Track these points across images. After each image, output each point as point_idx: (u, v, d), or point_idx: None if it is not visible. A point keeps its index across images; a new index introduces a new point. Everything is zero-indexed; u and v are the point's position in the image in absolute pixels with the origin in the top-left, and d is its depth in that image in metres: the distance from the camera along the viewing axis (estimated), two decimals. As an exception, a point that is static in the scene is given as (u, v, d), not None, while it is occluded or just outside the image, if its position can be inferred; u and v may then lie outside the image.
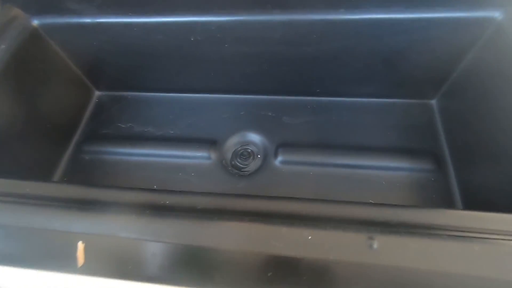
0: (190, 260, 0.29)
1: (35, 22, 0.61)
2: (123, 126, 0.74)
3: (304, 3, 0.54)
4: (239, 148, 0.69)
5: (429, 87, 0.69)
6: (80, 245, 0.31)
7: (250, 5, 0.55)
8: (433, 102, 0.71)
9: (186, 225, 0.29)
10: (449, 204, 0.59)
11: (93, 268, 0.31)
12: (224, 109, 0.74)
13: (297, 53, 0.62)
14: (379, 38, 0.57)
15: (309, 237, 0.26)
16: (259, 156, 0.68)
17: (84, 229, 0.31)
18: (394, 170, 0.63)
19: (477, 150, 0.58)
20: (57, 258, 0.33)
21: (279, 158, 0.66)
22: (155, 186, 0.65)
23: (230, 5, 0.56)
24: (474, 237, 0.29)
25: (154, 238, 0.29)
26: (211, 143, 0.69)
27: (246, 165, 0.67)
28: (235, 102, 0.75)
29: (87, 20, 0.59)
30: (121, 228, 0.30)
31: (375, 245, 0.25)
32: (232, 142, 0.70)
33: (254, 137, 0.70)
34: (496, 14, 0.52)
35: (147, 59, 0.68)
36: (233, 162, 0.68)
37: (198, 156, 0.68)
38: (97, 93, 0.80)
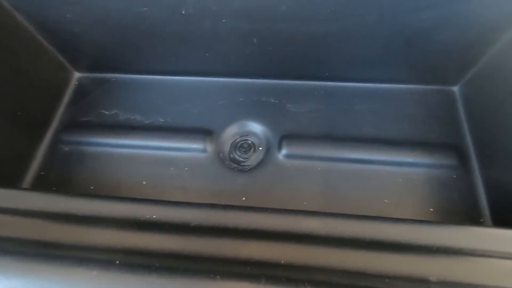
0: None
1: (-6, -11, 0.51)
2: (106, 113, 0.66)
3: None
4: (238, 140, 0.62)
5: (452, 71, 0.61)
6: None
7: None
8: (456, 89, 0.64)
9: (175, 285, 0.21)
10: (472, 206, 0.53)
11: None
12: (221, 95, 0.66)
13: (305, 30, 0.53)
14: (402, 15, 0.48)
15: None
16: (260, 148, 0.61)
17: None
18: (411, 165, 0.57)
19: (506, 145, 0.51)
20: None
21: (283, 151, 0.59)
22: (144, 182, 0.58)
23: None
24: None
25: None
26: (207, 133, 0.61)
27: (246, 158, 0.60)
28: (233, 86, 0.66)
29: (57, -13, 0.50)
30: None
31: None
32: (230, 133, 0.62)
33: (255, 127, 0.62)
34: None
35: (131, 36, 0.59)
36: (231, 155, 0.60)
37: (192, 148, 0.60)
38: (76, 74, 0.71)
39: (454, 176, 0.55)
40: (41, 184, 0.58)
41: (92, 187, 0.58)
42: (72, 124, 0.65)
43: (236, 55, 0.61)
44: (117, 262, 0.21)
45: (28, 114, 0.60)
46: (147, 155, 0.60)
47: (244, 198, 0.54)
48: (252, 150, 0.61)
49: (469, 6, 0.47)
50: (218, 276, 0.20)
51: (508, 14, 0.47)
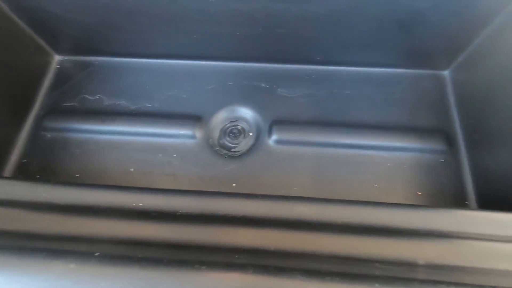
0: None
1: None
2: (90, 98, 0.63)
3: None
4: (228, 125, 0.61)
5: (443, 56, 0.61)
6: None
7: None
8: (446, 73, 0.64)
9: (153, 278, 0.20)
10: (459, 189, 0.54)
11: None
12: (210, 79, 0.64)
13: (297, 11, 0.51)
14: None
15: None
16: (250, 134, 0.60)
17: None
18: (401, 150, 0.57)
19: (494, 130, 0.52)
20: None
21: (274, 137, 0.58)
22: (131, 169, 0.57)
23: None
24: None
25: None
26: (196, 119, 0.60)
27: (236, 144, 0.59)
28: (223, 70, 0.65)
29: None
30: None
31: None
32: (220, 118, 0.61)
33: (245, 112, 0.61)
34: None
35: (115, 16, 0.56)
36: (221, 141, 0.59)
37: (180, 134, 0.59)
38: (57, 57, 0.68)
39: (442, 160, 0.56)
40: (23, 173, 0.56)
41: (77, 175, 0.56)
42: (55, 110, 0.62)
43: (226, 37, 0.59)
44: (97, 254, 0.20)
45: (6, 100, 0.57)
46: (134, 142, 0.59)
47: (234, 185, 0.54)
48: (242, 136, 0.60)
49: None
50: (203, 267, 0.19)
51: (501, -3, 0.47)
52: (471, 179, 0.54)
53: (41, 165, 0.58)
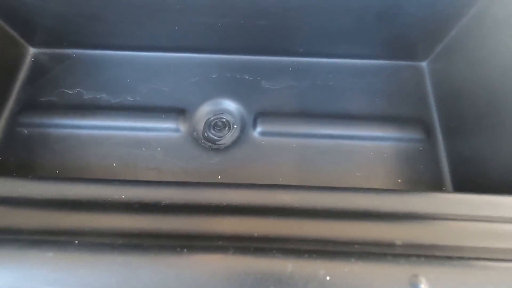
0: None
1: None
2: (69, 92, 0.61)
3: None
4: (212, 118, 0.61)
5: (421, 47, 0.63)
6: None
7: None
8: (424, 64, 0.65)
9: (133, 264, 0.20)
10: (436, 176, 0.56)
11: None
12: (193, 71, 0.63)
13: (278, 3, 0.51)
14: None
15: (327, 278, 0.18)
16: (235, 126, 0.60)
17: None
18: (381, 140, 0.59)
19: (468, 119, 0.54)
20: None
21: (258, 129, 0.58)
22: (114, 164, 0.56)
23: None
24: None
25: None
26: (179, 112, 0.59)
27: (220, 137, 0.59)
28: (206, 62, 0.64)
29: None
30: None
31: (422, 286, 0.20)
32: (204, 111, 0.61)
33: (230, 104, 0.61)
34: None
35: (93, 6, 0.54)
36: (205, 134, 0.59)
37: (164, 128, 0.58)
38: (32, 50, 0.65)
39: (420, 149, 0.58)
40: None
41: (57, 172, 0.54)
42: (31, 105, 0.60)
43: (208, 28, 0.58)
44: (76, 242, 0.20)
45: (-22, 94, 0.55)
46: (116, 136, 0.58)
47: (219, 177, 0.54)
48: (226, 129, 0.60)
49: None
50: (185, 250, 0.19)
51: (475, -12, 0.48)
52: (447, 166, 0.57)
53: (18, 163, 0.56)
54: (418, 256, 0.21)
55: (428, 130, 0.59)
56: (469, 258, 0.22)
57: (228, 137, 0.59)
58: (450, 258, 0.21)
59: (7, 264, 0.19)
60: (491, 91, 0.49)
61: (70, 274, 0.19)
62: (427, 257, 0.21)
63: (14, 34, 0.61)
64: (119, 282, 0.18)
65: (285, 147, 0.57)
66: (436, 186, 0.55)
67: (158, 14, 0.55)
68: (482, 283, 0.21)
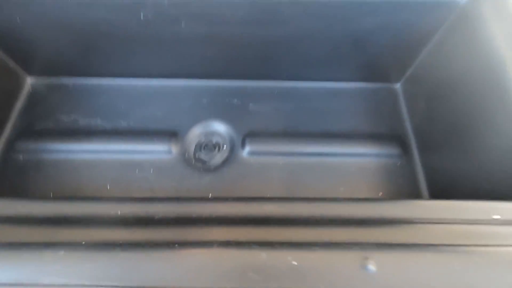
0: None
1: None
2: (65, 118, 0.64)
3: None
4: (203, 140, 0.64)
5: (394, 70, 0.69)
6: None
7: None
8: (398, 86, 0.71)
9: (132, 259, 0.23)
10: (414, 188, 0.60)
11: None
12: (184, 97, 0.67)
13: (262, 34, 0.56)
14: (348, 20, 0.54)
15: (294, 263, 0.22)
16: (225, 147, 0.63)
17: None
18: (362, 156, 0.63)
19: (440, 135, 0.59)
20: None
21: (247, 149, 0.62)
22: (108, 187, 0.58)
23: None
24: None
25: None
26: (171, 135, 0.63)
27: (211, 157, 0.62)
28: (196, 88, 0.68)
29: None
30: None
31: (371, 267, 0.23)
32: (195, 133, 0.64)
33: (219, 126, 0.65)
34: (461, -2, 0.51)
35: (88, 38, 0.58)
36: (196, 156, 0.62)
37: (156, 151, 0.61)
38: (29, 79, 0.68)
39: (399, 164, 0.62)
40: (-4, 195, 0.55)
41: (51, 194, 0.56)
42: (28, 132, 0.62)
43: (197, 57, 0.63)
44: (83, 242, 0.23)
45: (-24, 123, 0.57)
46: (110, 160, 0.60)
47: (210, 195, 0.56)
48: (216, 150, 0.63)
49: (402, 14, 0.53)
50: (176, 245, 0.22)
51: (435, 19, 0.55)
52: (424, 178, 0.61)
53: (13, 187, 0.57)
54: (370, 243, 0.24)
55: (405, 146, 0.64)
56: (417, 244, 0.25)
57: (218, 158, 0.62)
58: (400, 244, 0.24)
59: (26, 261, 0.22)
60: (456, 110, 0.55)
61: (78, 268, 0.22)
62: (378, 244, 0.24)
63: (13, 64, 0.65)
64: (119, 274, 0.21)
65: (273, 165, 0.60)
66: (415, 197, 0.59)
67: (151, 46, 0.59)
68: (428, 264, 0.24)
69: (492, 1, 0.49)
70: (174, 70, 0.67)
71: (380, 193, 0.59)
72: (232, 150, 0.62)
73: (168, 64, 0.65)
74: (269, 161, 0.61)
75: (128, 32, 0.56)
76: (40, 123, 0.63)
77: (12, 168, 0.59)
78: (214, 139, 0.64)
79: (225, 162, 0.61)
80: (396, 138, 0.65)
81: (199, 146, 0.63)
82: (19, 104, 0.65)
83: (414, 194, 0.59)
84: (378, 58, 0.64)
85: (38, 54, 0.63)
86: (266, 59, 0.64)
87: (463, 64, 0.53)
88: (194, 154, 0.62)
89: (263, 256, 0.22)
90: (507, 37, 0.46)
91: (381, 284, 0.23)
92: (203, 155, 0.62)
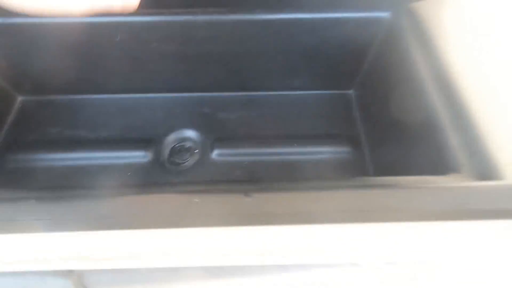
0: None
1: None
2: (52, 131, 0.71)
3: (224, 4, 0.58)
4: (177, 145, 0.71)
5: (345, 78, 0.78)
6: None
7: (173, 5, 0.58)
8: (351, 92, 0.80)
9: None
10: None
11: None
12: (159, 108, 0.75)
13: (223, 50, 0.66)
14: (294, 36, 0.64)
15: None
16: (196, 151, 0.70)
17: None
18: (320, 154, 0.70)
19: (385, 133, 0.67)
20: None
21: (216, 152, 0.69)
22: (90, 189, 0.64)
23: (154, 6, 0.58)
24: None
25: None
26: (148, 142, 0.70)
27: (184, 160, 0.69)
28: (170, 100, 0.76)
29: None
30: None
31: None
32: (170, 140, 0.72)
33: (191, 133, 0.73)
34: (386, 15, 0.61)
35: (73, 61, 0.67)
36: (171, 159, 0.69)
37: (134, 156, 0.68)
38: (19, 98, 0.76)
39: (351, 159, 0.70)
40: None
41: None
42: (17, 144, 0.69)
43: (169, 73, 0.72)
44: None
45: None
46: (93, 165, 0.67)
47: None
48: (189, 153, 0.70)
49: (340, 30, 0.63)
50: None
51: (369, 34, 0.65)
52: (372, 171, 0.69)
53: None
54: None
55: (357, 145, 0.72)
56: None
57: (190, 160, 0.69)
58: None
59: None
60: (396, 110, 0.63)
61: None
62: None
63: (4, 84, 0.72)
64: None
65: (238, 164, 0.68)
66: (363, 188, 0.66)
67: (128, 64, 0.68)
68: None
69: (409, 17, 0.59)
70: (151, 85, 0.76)
71: (334, 185, 0.66)
72: (203, 153, 0.70)
73: (145, 80, 0.74)
74: (234, 161, 0.68)
75: (107, 53, 0.65)
76: (29, 136, 0.70)
77: (2, 176, 0.65)
78: (187, 144, 0.71)
79: (196, 163, 0.68)
80: (349, 137, 0.73)
81: (174, 151, 0.70)
82: (9, 120, 0.73)
83: (363, 185, 0.67)
84: (329, 69, 0.74)
85: (29, 76, 0.71)
86: (232, 72, 0.73)
87: (397, 71, 0.63)
88: (169, 158, 0.69)
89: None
90: (421, 46, 0.55)
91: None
92: (177, 159, 0.69)
